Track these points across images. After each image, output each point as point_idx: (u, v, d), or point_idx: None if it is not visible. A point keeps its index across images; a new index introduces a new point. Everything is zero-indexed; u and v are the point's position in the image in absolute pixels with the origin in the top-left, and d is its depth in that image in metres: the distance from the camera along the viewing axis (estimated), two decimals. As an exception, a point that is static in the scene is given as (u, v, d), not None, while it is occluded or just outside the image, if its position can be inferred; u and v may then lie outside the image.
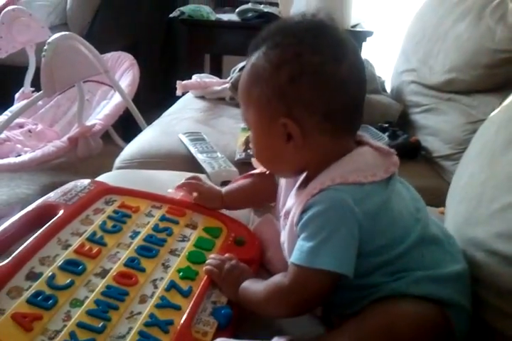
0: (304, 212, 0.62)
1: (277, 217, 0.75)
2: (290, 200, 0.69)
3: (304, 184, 0.67)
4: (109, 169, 1.19)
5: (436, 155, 1.22)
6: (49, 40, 1.48)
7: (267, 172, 0.81)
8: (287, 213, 0.68)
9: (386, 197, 0.63)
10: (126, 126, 1.98)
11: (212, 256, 0.74)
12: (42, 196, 0.83)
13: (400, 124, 1.33)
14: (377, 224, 0.61)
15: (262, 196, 0.84)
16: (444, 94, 1.25)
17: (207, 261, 0.73)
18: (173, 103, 1.60)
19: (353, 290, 0.62)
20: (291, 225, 0.65)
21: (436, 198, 0.95)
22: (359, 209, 0.60)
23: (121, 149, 1.27)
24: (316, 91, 0.61)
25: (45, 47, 1.46)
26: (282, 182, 0.76)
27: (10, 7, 1.91)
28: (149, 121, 1.72)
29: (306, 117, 0.62)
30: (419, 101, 1.33)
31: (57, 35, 1.49)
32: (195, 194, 0.86)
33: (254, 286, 0.66)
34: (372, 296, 0.61)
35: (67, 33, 1.55)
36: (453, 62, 1.21)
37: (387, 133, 1.24)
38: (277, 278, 0.63)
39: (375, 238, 0.61)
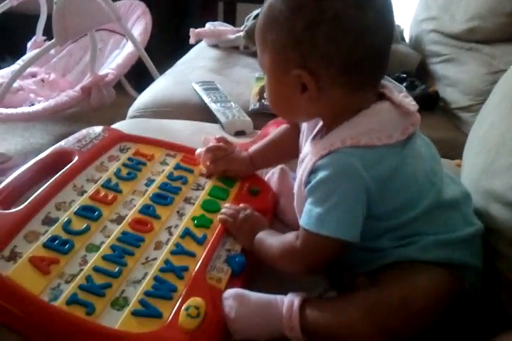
0: (311, 173, 0.61)
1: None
2: (305, 149, 0.68)
3: (320, 134, 0.66)
4: (121, 119, 1.18)
5: (455, 106, 1.19)
6: (59, -15, 1.43)
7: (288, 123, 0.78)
8: (302, 161, 0.66)
9: (400, 160, 0.60)
10: (138, 76, 1.95)
11: (226, 205, 0.74)
12: None
13: (418, 75, 1.30)
14: (388, 189, 0.59)
15: (291, 150, 0.76)
16: (464, 43, 1.21)
17: (221, 210, 0.73)
18: (186, 52, 1.57)
19: (362, 251, 0.62)
20: (300, 182, 0.64)
21: (453, 150, 0.93)
22: (369, 174, 0.58)
23: (133, 99, 1.26)
24: (334, 41, 0.56)
25: (56, -6, 1.42)
26: (304, 127, 0.72)
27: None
28: (162, 70, 1.69)
29: (322, 69, 0.58)
30: (439, 51, 1.29)
31: (67, -20, 1.45)
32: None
33: (269, 240, 0.66)
34: (383, 260, 0.61)
35: (78, -22, 1.51)
36: (475, 10, 1.16)
37: (404, 84, 1.21)
38: (290, 238, 0.63)
39: (384, 202, 0.60)
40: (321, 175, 0.59)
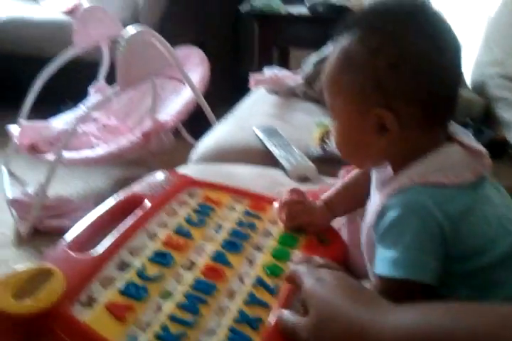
0: (379, 216, 0.59)
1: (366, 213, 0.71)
2: (373, 197, 0.66)
3: (387, 180, 0.64)
4: (178, 163, 1.20)
5: (526, 154, 1.15)
6: (125, 35, 1.50)
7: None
8: (368, 211, 0.65)
9: (471, 202, 0.58)
10: (192, 121, 1.99)
11: (298, 255, 0.70)
12: (115, 190, 0.84)
13: (483, 120, 1.27)
14: (461, 230, 0.57)
15: (367, 195, 0.75)
16: (534, 87, 1.18)
17: (292, 263, 0.69)
18: (240, 97, 1.60)
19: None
20: (369, 226, 0.62)
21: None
22: (441, 212, 0.56)
23: (188, 144, 1.28)
24: (417, 79, 0.57)
25: (121, 42, 1.48)
26: (373, 177, 0.71)
27: (85, 5, 1.96)
28: (217, 115, 1.73)
29: (403, 107, 0.58)
30: (506, 96, 1.26)
31: (132, 30, 1.52)
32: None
33: None
34: None
35: (142, 27, 1.57)
36: (545, 54, 1.14)
37: (471, 130, 1.18)
38: None
39: (459, 243, 0.57)
40: (390, 215, 0.57)
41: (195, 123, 1.97)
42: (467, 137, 0.63)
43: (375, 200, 0.64)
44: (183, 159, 1.26)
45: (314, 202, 0.80)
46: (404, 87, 0.57)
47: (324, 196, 0.80)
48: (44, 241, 1.56)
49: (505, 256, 0.58)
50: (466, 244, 0.57)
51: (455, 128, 0.63)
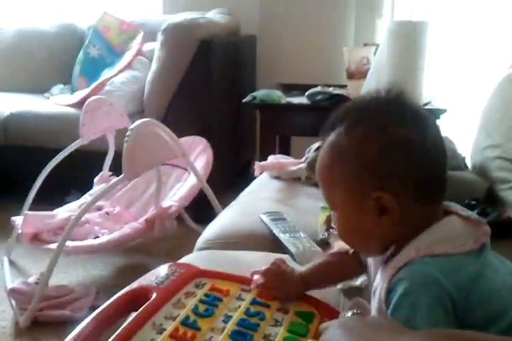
0: (390, 291, 0.59)
1: (369, 296, 0.71)
2: (378, 276, 0.67)
3: (391, 257, 0.64)
4: (181, 250, 1.19)
5: (532, 233, 1.15)
6: (131, 126, 1.54)
7: (350, 251, 0.77)
8: (374, 292, 0.65)
9: (478, 269, 0.60)
10: (196, 208, 2.00)
11: None
12: (117, 278, 0.82)
13: (487, 201, 1.28)
14: (471, 298, 0.57)
15: (346, 272, 0.81)
16: (534, 169, 1.20)
17: None
18: (242, 183, 1.62)
19: None
20: (379, 303, 0.62)
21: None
22: (449, 282, 0.57)
23: (192, 230, 1.27)
24: (407, 161, 0.61)
25: (127, 133, 1.52)
26: (370, 259, 0.73)
27: (93, 97, 2.04)
28: (220, 201, 1.74)
29: (400, 188, 0.61)
30: (507, 177, 1.28)
31: (138, 121, 1.56)
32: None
33: None
34: None
35: (147, 119, 1.62)
36: (542, 136, 1.17)
37: (475, 211, 1.18)
38: None
39: (467, 316, 0.57)
40: (400, 289, 0.58)
41: (199, 209, 1.98)
42: (461, 209, 0.65)
43: (380, 278, 0.65)
44: (186, 245, 1.25)
45: (293, 273, 0.81)
46: (397, 168, 0.61)
47: (303, 268, 0.82)
48: (44, 332, 1.51)
49: None
50: (477, 312, 0.58)
51: (449, 203, 0.66)
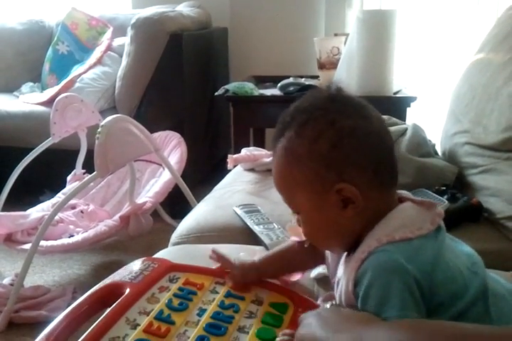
0: (357, 283, 0.61)
1: (332, 287, 0.73)
2: (340, 268, 0.68)
3: (354, 249, 0.66)
4: (157, 245, 1.19)
5: (501, 216, 1.17)
6: (102, 122, 1.53)
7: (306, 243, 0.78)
8: (337, 282, 0.67)
9: (437, 249, 0.62)
10: (172, 203, 1.99)
11: (285, 331, 0.70)
12: (94, 276, 0.82)
13: (457, 186, 1.30)
14: (435, 279, 0.60)
15: (300, 263, 0.84)
16: (501, 153, 1.22)
17: (278, 339, 0.69)
18: (218, 177, 1.62)
19: None
20: (345, 293, 0.64)
21: (506, 261, 0.90)
22: (413, 266, 0.59)
23: (169, 225, 1.27)
24: (359, 149, 0.64)
25: (98, 130, 1.51)
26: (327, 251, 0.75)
27: (63, 94, 2.01)
28: (195, 196, 1.74)
29: (358, 176, 0.63)
30: (476, 162, 1.29)
31: (109, 118, 1.55)
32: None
33: None
34: None
35: (119, 115, 1.61)
36: (508, 121, 1.18)
37: (445, 197, 1.20)
38: None
39: (433, 295, 0.59)
40: (366, 279, 0.60)
41: (175, 204, 1.97)
42: (412, 195, 0.68)
43: (344, 271, 0.66)
44: (164, 241, 1.24)
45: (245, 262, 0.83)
46: (351, 158, 0.63)
47: (258, 256, 0.84)
48: (20, 334, 1.49)
49: (476, 296, 0.61)
50: (441, 291, 0.60)
51: (401, 191, 0.69)
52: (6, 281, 1.65)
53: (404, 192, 0.69)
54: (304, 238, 0.77)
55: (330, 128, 0.64)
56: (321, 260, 0.79)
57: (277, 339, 0.69)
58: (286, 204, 0.70)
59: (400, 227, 0.63)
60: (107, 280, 0.79)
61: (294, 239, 0.84)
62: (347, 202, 0.64)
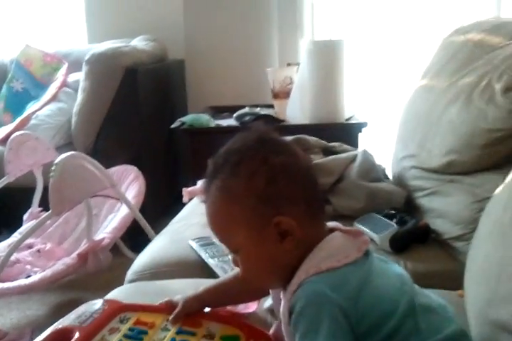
0: (291, 312, 0.64)
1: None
2: (282, 302, 0.70)
3: (289, 282, 0.68)
4: (119, 281, 1.18)
5: (448, 237, 1.21)
6: (56, 161, 1.52)
7: None
8: (282, 313, 0.69)
9: (365, 275, 0.65)
10: (133, 237, 1.98)
11: None
12: (52, 317, 0.81)
13: (406, 210, 1.33)
14: (362, 303, 0.63)
15: (245, 293, 0.84)
16: (445, 176, 1.26)
17: None
18: (179, 209, 1.62)
19: None
20: (284, 324, 0.67)
21: (454, 281, 0.93)
22: (338, 295, 0.62)
23: (130, 260, 1.26)
24: (292, 183, 0.67)
25: (52, 168, 1.50)
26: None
27: (17, 133, 2.00)
28: (157, 229, 1.73)
29: (293, 209, 0.67)
30: (422, 185, 1.34)
31: (63, 155, 1.55)
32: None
33: None
34: None
35: (72, 152, 1.61)
36: (450, 145, 1.23)
37: (395, 220, 1.23)
38: None
39: (363, 318, 0.62)
40: (296, 309, 0.63)
41: (136, 236, 1.95)
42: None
43: (282, 303, 0.69)
44: (123, 276, 1.23)
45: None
46: (286, 192, 0.67)
47: (203, 286, 0.85)
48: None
49: (405, 313, 0.64)
50: (372, 314, 0.63)
51: (329, 222, 0.73)
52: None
53: (332, 223, 0.73)
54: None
55: (263, 166, 0.66)
56: (267, 291, 0.80)
57: None
58: (224, 244, 0.72)
59: (327, 257, 0.66)
60: (58, 326, 0.78)
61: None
62: (285, 235, 0.67)
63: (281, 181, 0.66)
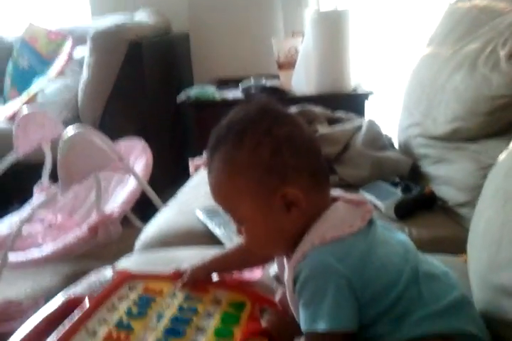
0: (295, 281, 0.65)
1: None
2: (286, 268, 0.71)
3: (293, 250, 0.69)
4: (129, 251, 1.20)
5: (453, 203, 1.22)
6: (63, 135, 1.53)
7: None
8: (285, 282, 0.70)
9: (369, 244, 0.66)
10: (142, 207, 2.00)
11: None
12: (65, 286, 0.84)
13: (412, 178, 1.34)
14: (367, 274, 0.64)
15: (250, 261, 0.86)
16: (450, 143, 1.26)
17: None
18: (187, 180, 1.64)
19: None
20: (289, 292, 0.68)
21: (459, 246, 0.94)
22: (343, 264, 0.63)
23: (140, 230, 1.28)
24: (296, 154, 0.67)
25: (60, 143, 1.51)
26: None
27: (24, 109, 2.01)
28: (165, 199, 1.74)
29: (299, 180, 0.67)
30: (428, 153, 1.34)
31: (70, 129, 1.55)
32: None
33: None
34: None
35: (79, 126, 1.61)
36: (455, 112, 1.23)
37: (400, 188, 1.24)
38: None
39: (367, 287, 0.63)
40: (301, 278, 0.64)
41: (147, 209, 1.98)
42: (345, 192, 0.72)
43: (287, 270, 0.70)
44: (134, 246, 1.25)
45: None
46: (290, 162, 0.66)
47: (208, 257, 0.87)
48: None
49: (408, 281, 0.65)
50: (376, 283, 0.64)
51: (333, 190, 0.72)
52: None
53: (336, 191, 0.72)
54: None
55: (267, 137, 0.66)
56: (272, 257, 0.82)
57: None
58: (229, 215, 0.71)
59: (331, 227, 0.66)
60: (65, 295, 0.80)
61: None
62: (290, 206, 0.67)
63: (286, 152, 0.66)
